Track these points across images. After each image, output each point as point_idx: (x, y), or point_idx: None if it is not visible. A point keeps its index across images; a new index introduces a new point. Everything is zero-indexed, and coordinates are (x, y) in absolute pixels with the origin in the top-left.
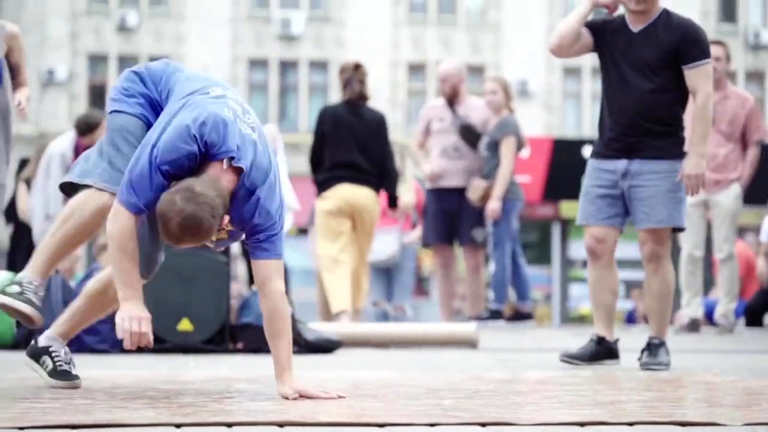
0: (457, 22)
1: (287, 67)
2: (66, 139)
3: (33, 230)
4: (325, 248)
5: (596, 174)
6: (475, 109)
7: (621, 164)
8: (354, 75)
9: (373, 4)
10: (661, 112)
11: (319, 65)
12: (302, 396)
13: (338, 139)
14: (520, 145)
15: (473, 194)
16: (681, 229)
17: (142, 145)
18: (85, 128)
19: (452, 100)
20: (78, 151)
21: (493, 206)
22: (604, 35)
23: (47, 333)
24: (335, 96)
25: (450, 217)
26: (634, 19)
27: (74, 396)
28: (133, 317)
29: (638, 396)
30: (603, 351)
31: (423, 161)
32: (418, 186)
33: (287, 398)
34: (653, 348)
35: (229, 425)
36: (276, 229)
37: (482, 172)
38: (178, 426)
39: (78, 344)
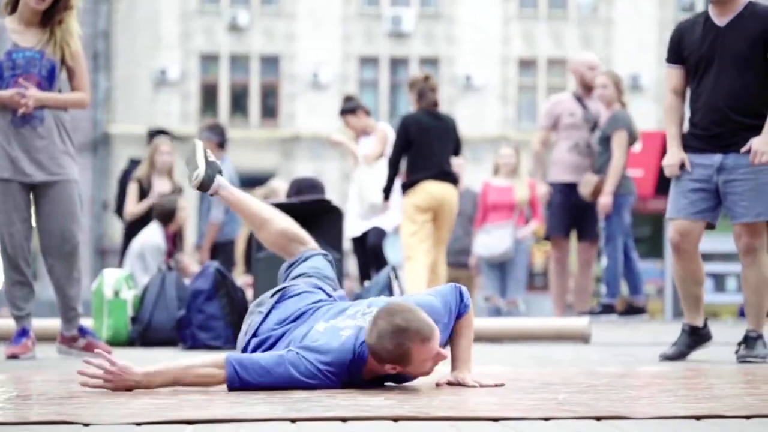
0: (567, 16)
1: (398, 64)
2: (157, 232)
3: None
4: (408, 240)
5: (690, 167)
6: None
7: (716, 158)
8: (426, 85)
9: (483, 0)
10: (753, 104)
11: (429, 62)
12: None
13: (423, 144)
14: (632, 140)
15: (584, 189)
16: None
17: None
18: (165, 217)
19: (588, 93)
20: (168, 240)
21: (604, 201)
22: (687, 43)
23: None
24: (446, 92)
25: (575, 211)
26: (718, 12)
27: (191, 392)
28: None
29: (754, 389)
30: (697, 339)
31: (540, 171)
32: (533, 182)
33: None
34: (750, 341)
35: (344, 420)
36: None
37: (594, 166)
38: (293, 421)
39: (192, 341)
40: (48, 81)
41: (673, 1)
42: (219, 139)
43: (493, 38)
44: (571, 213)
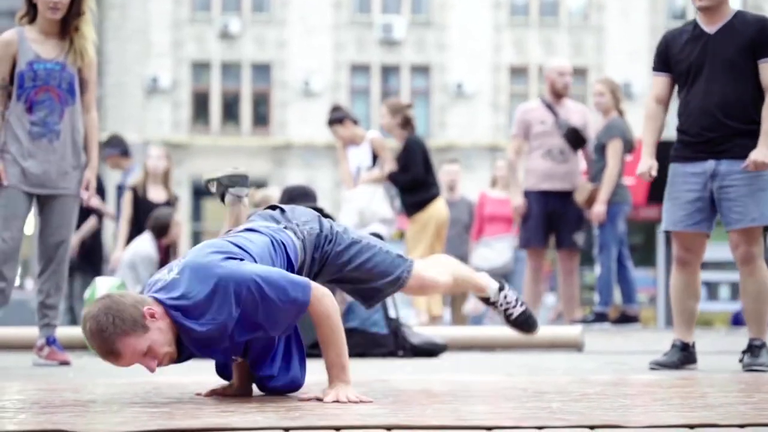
0: (559, 24)
1: (389, 71)
2: (150, 243)
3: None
4: (419, 253)
5: (683, 178)
6: (574, 112)
7: (709, 165)
8: (410, 112)
9: (474, 8)
10: (744, 109)
11: (420, 69)
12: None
13: (427, 164)
14: (628, 148)
15: (579, 196)
16: None
17: None
18: (159, 231)
19: (558, 99)
20: (161, 252)
21: (598, 210)
22: (675, 51)
23: None
24: (437, 99)
25: (550, 219)
26: (707, 21)
27: (184, 400)
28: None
29: (748, 398)
30: (688, 356)
31: (515, 182)
32: None
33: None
34: (754, 349)
35: (338, 429)
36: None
37: (590, 174)
38: (286, 430)
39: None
40: (69, 94)
41: (664, 8)
42: (120, 150)
43: (485, 46)
44: (547, 221)
